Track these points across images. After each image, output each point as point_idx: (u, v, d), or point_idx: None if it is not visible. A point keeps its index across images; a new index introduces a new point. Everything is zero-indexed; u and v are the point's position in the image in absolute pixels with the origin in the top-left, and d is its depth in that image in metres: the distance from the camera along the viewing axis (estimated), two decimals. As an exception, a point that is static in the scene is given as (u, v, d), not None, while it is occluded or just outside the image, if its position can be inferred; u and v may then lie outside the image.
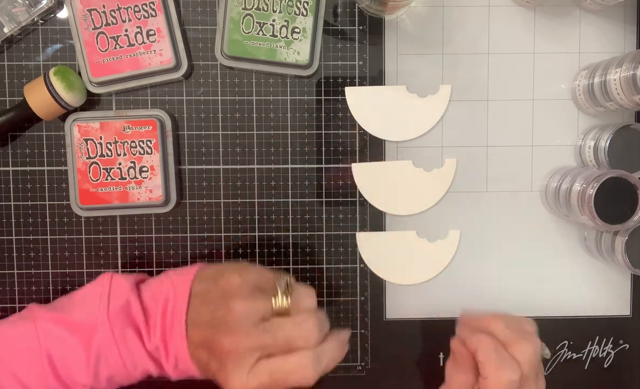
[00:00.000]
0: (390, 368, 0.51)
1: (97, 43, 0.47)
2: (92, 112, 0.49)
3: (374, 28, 0.50)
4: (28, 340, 0.39)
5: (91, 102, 0.49)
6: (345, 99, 0.49)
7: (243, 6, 0.47)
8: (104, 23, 0.47)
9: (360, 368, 0.51)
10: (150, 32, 0.47)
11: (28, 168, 0.49)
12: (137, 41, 0.47)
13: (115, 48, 0.47)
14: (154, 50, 0.47)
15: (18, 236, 0.50)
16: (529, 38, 0.50)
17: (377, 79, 0.50)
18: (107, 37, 0.47)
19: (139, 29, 0.47)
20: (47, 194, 0.50)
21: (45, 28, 0.49)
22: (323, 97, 0.50)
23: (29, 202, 0.49)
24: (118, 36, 0.47)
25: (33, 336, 0.39)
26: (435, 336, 0.51)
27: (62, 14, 0.49)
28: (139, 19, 0.47)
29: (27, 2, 0.47)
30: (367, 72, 0.50)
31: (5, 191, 0.49)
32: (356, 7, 0.49)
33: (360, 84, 0.50)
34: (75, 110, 0.48)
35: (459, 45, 0.50)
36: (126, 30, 0.47)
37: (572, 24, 0.50)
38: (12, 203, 0.49)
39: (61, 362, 0.39)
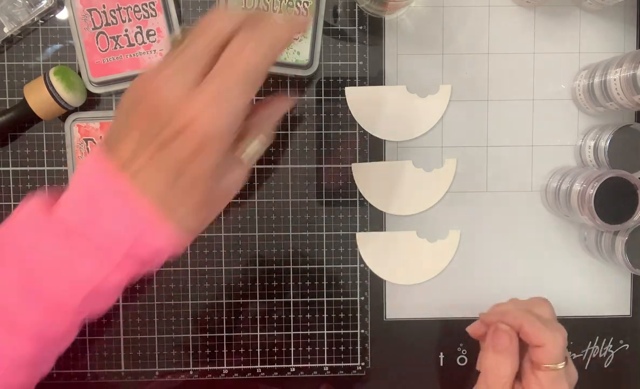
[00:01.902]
0: (390, 368, 0.51)
1: (97, 43, 0.47)
2: (92, 112, 0.49)
3: (374, 28, 0.50)
4: None
5: (91, 102, 0.49)
6: (345, 99, 0.49)
7: (243, 6, 0.47)
8: (104, 23, 0.47)
9: (360, 368, 0.51)
10: (150, 32, 0.47)
11: (28, 168, 0.49)
12: (137, 41, 0.47)
13: (115, 48, 0.47)
14: (154, 51, 0.47)
15: (18, 236, 0.50)
16: (529, 38, 0.50)
17: (377, 79, 0.50)
18: (107, 37, 0.47)
19: (139, 29, 0.47)
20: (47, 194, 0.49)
21: (45, 28, 0.49)
22: (323, 97, 0.50)
23: (29, 202, 0.49)
24: (118, 36, 0.47)
25: None
26: (435, 336, 0.51)
27: (62, 14, 0.49)
28: (139, 19, 0.47)
29: (27, 2, 0.47)
30: (367, 72, 0.50)
31: (5, 191, 0.49)
32: (356, 7, 0.49)
33: (360, 84, 0.50)
34: (75, 110, 0.48)
35: (459, 45, 0.50)
36: (126, 30, 0.47)
37: (572, 24, 0.50)
38: (12, 203, 0.49)
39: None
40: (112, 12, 0.47)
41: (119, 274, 0.33)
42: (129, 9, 0.47)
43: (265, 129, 0.37)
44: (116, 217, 0.32)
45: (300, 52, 0.48)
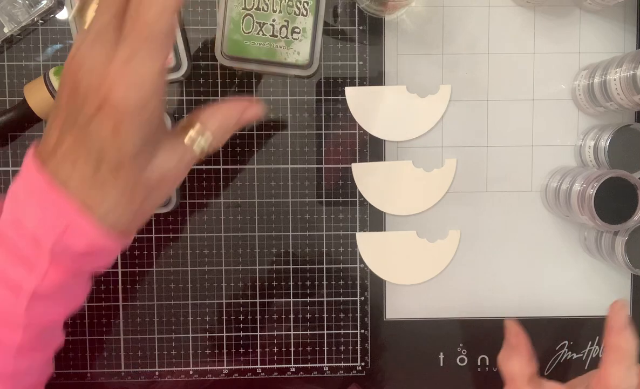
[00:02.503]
0: (390, 368, 0.51)
1: (97, 43, 0.47)
2: (92, 112, 0.49)
3: (374, 28, 0.50)
4: None
5: (91, 102, 0.49)
6: (345, 99, 0.49)
7: (243, 6, 0.47)
8: (104, 23, 0.47)
9: (360, 368, 0.51)
10: (150, 32, 0.47)
11: (28, 168, 0.49)
12: (137, 41, 0.47)
13: (115, 48, 0.47)
14: (154, 50, 0.47)
15: (18, 236, 0.50)
16: (529, 38, 0.50)
17: (377, 79, 0.50)
18: (107, 37, 0.47)
19: (139, 29, 0.47)
20: None
21: (45, 28, 0.49)
22: (323, 97, 0.50)
23: (29, 202, 0.49)
24: (118, 36, 0.47)
25: None
26: (435, 336, 0.51)
27: (62, 14, 0.49)
28: (139, 19, 0.47)
29: (27, 2, 0.47)
30: (367, 72, 0.50)
31: (6, 191, 0.49)
32: (356, 7, 0.49)
33: (360, 84, 0.50)
34: (75, 110, 0.48)
35: (459, 45, 0.50)
36: (126, 30, 0.47)
37: (572, 24, 0.50)
38: (12, 203, 0.49)
39: None
40: (112, 12, 0.47)
41: (56, 275, 0.31)
42: (129, 9, 0.47)
43: (215, 127, 0.35)
44: (37, 218, 0.30)
45: (300, 52, 0.48)
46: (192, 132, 0.34)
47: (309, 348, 0.51)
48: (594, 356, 0.51)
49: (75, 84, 0.30)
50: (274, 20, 0.47)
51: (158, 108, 0.31)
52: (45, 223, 0.30)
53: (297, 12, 0.47)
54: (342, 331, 0.51)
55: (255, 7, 0.47)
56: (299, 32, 0.47)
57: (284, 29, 0.47)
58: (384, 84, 0.50)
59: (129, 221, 0.32)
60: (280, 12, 0.47)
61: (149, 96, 0.30)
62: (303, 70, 0.48)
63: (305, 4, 0.47)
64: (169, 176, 0.33)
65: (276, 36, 0.47)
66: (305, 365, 0.51)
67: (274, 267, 0.51)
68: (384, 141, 0.50)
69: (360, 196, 0.50)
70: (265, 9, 0.47)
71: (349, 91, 0.49)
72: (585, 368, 0.51)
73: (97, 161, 0.30)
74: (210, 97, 0.49)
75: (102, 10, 0.31)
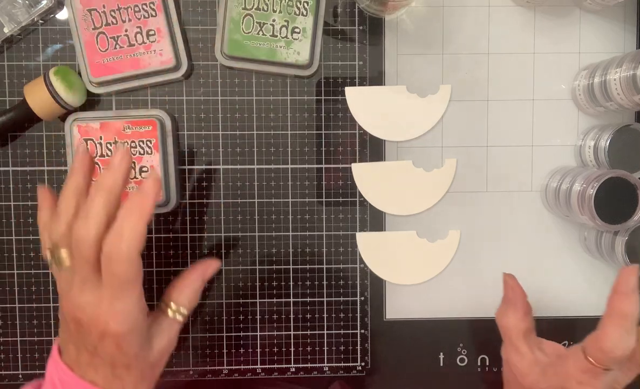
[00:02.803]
0: (390, 368, 0.51)
1: (97, 43, 0.47)
2: (92, 112, 0.49)
3: (374, 28, 0.50)
4: None
5: (91, 102, 0.49)
6: (345, 99, 0.49)
7: (243, 6, 0.47)
8: (104, 23, 0.47)
9: (360, 368, 0.51)
10: (150, 32, 0.47)
11: (28, 168, 0.49)
12: (137, 41, 0.47)
13: (115, 48, 0.47)
14: (154, 51, 0.47)
15: (18, 236, 0.50)
16: (529, 38, 0.50)
17: (377, 79, 0.50)
18: (107, 37, 0.47)
19: (139, 29, 0.47)
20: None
21: (45, 28, 0.49)
22: (323, 97, 0.50)
23: (29, 202, 0.49)
24: (118, 36, 0.47)
25: None
26: (435, 336, 0.51)
27: (62, 14, 0.49)
28: (139, 19, 0.47)
29: (27, 2, 0.47)
30: (367, 72, 0.50)
31: (5, 191, 0.49)
32: (356, 7, 0.49)
33: (360, 84, 0.50)
34: (75, 110, 0.48)
35: (459, 45, 0.50)
36: (126, 31, 0.47)
37: (572, 24, 0.50)
38: (12, 203, 0.49)
39: None
40: (112, 12, 0.47)
41: None
42: (129, 9, 0.47)
43: (187, 299, 0.43)
44: None
45: (300, 52, 0.48)
46: (170, 310, 0.42)
47: (309, 348, 0.51)
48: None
49: (78, 321, 0.38)
50: (274, 20, 0.47)
51: (143, 317, 0.39)
52: None
53: (297, 12, 0.47)
54: (342, 331, 0.51)
55: (255, 7, 0.47)
56: (299, 32, 0.47)
57: (284, 29, 0.47)
58: (384, 84, 0.50)
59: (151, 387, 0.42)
60: (280, 12, 0.47)
61: (135, 317, 0.38)
62: (303, 70, 0.48)
63: (305, 4, 0.47)
64: (166, 349, 0.42)
65: (276, 36, 0.47)
66: (305, 365, 0.51)
67: (274, 267, 0.51)
68: (384, 141, 0.50)
69: (360, 196, 0.50)
70: (265, 9, 0.47)
71: (349, 91, 0.49)
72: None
73: (111, 366, 0.38)
74: (210, 97, 0.49)
75: (81, 264, 0.37)
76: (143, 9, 0.47)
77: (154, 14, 0.47)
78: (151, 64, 0.47)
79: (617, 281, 0.36)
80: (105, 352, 0.38)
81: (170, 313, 0.42)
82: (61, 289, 0.39)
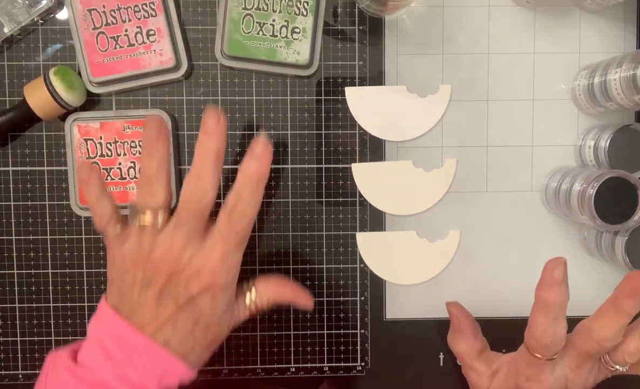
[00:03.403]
0: (390, 368, 0.51)
1: (97, 43, 0.47)
2: (92, 112, 0.49)
3: (374, 28, 0.50)
4: None
5: (91, 102, 0.49)
6: (345, 99, 0.49)
7: (243, 6, 0.47)
8: (104, 23, 0.47)
9: (360, 368, 0.51)
10: (150, 32, 0.47)
11: (28, 168, 0.49)
12: (137, 41, 0.47)
13: (115, 48, 0.47)
14: (154, 50, 0.47)
15: (18, 236, 0.50)
16: (529, 38, 0.50)
17: (377, 79, 0.50)
18: (107, 37, 0.47)
19: (139, 29, 0.47)
20: (47, 194, 0.49)
21: (45, 28, 0.49)
22: (323, 97, 0.50)
23: (29, 202, 0.49)
24: (118, 36, 0.47)
25: None
26: (435, 336, 0.51)
27: (62, 14, 0.49)
28: (139, 19, 0.47)
29: (27, 2, 0.47)
30: (367, 72, 0.50)
31: (5, 191, 0.49)
32: (356, 7, 0.49)
33: (360, 84, 0.50)
34: (75, 110, 0.48)
35: (459, 45, 0.50)
36: (126, 30, 0.47)
37: (572, 24, 0.50)
38: (12, 203, 0.49)
39: None
40: (112, 12, 0.47)
41: None
42: (129, 9, 0.47)
43: (270, 294, 0.43)
44: (140, 372, 0.37)
45: (300, 52, 0.48)
46: (249, 296, 0.43)
47: (309, 348, 0.51)
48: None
49: (174, 273, 0.38)
50: (274, 20, 0.47)
51: (236, 281, 0.41)
52: (150, 373, 0.38)
53: (297, 12, 0.47)
54: (342, 331, 0.51)
55: (255, 7, 0.47)
56: (299, 32, 0.47)
57: (284, 29, 0.47)
58: (384, 84, 0.50)
59: (205, 359, 0.41)
60: (280, 12, 0.47)
61: (236, 275, 0.41)
62: (303, 70, 0.48)
63: (305, 4, 0.47)
64: (233, 324, 0.42)
65: (276, 36, 0.47)
66: (305, 365, 0.51)
67: (274, 267, 0.51)
68: (384, 141, 0.50)
69: (360, 196, 0.50)
70: (265, 9, 0.47)
71: (349, 91, 0.49)
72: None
73: (193, 324, 0.39)
74: (210, 97, 0.49)
75: (194, 220, 0.39)
76: (143, 9, 0.47)
77: (154, 14, 0.47)
78: (151, 64, 0.47)
79: (542, 272, 0.38)
80: (196, 306, 0.39)
81: (247, 298, 0.43)
82: (141, 248, 0.39)
